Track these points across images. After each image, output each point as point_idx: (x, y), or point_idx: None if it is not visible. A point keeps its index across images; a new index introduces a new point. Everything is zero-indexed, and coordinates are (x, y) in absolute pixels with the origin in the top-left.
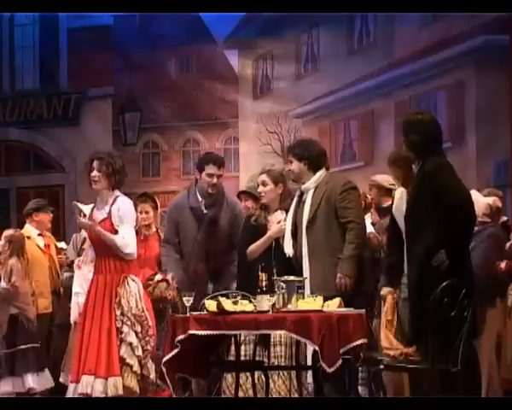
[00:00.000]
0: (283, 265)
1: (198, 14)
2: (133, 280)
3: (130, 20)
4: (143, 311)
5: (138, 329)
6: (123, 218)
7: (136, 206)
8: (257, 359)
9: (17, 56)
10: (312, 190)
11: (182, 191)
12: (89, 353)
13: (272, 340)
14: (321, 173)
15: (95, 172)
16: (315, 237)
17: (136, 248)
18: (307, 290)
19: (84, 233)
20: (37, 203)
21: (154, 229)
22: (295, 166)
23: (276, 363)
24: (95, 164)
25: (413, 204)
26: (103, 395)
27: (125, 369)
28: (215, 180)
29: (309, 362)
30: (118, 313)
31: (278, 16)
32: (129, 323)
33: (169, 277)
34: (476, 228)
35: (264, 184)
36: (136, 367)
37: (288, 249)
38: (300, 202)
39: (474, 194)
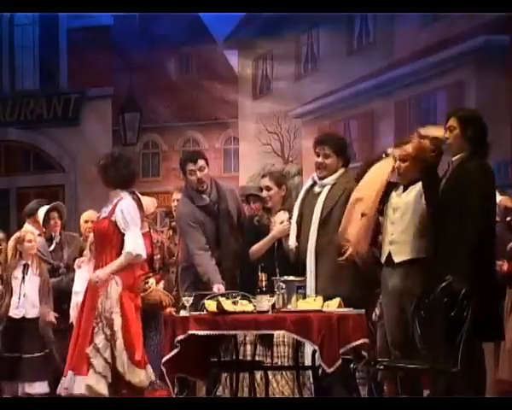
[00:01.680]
0: (285, 265)
1: (198, 14)
2: (116, 283)
3: (130, 20)
4: (112, 314)
5: (108, 331)
6: (128, 221)
7: None
8: (258, 359)
9: (17, 56)
10: (329, 186)
11: (180, 201)
12: (75, 350)
13: (275, 340)
14: (343, 172)
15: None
16: (327, 235)
17: (144, 248)
18: (310, 290)
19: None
20: (39, 203)
21: (147, 228)
22: (333, 160)
23: (280, 363)
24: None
25: (444, 199)
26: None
27: (89, 368)
28: (199, 175)
29: (308, 362)
30: (96, 312)
31: (278, 16)
32: (100, 324)
33: (215, 288)
34: None
35: (268, 188)
36: (101, 369)
37: (292, 241)
38: (310, 192)
39: None
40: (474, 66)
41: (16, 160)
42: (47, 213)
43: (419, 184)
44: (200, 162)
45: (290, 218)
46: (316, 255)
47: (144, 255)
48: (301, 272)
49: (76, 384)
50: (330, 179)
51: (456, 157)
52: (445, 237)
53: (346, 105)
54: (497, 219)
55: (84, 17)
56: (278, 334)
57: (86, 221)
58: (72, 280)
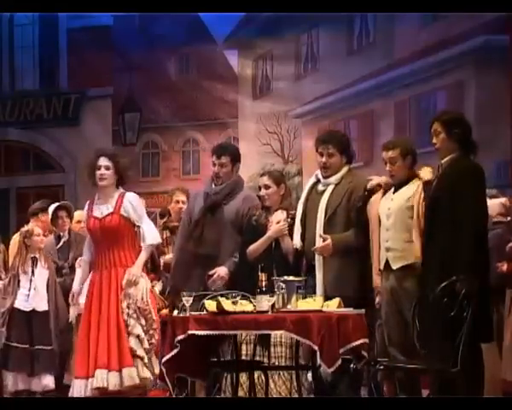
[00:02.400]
0: (283, 265)
1: (198, 14)
2: (142, 275)
3: (129, 21)
4: (148, 304)
5: (143, 322)
6: (140, 213)
7: None
8: (257, 359)
9: (17, 56)
10: (333, 186)
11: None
12: (99, 347)
13: (272, 340)
14: (347, 170)
15: (103, 170)
16: (334, 234)
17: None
18: (319, 290)
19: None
20: (43, 204)
21: None
22: (337, 159)
23: (277, 363)
24: (101, 161)
25: (434, 202)
26: (118, 388)
27: (137, 361)
28: (216, 169)
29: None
30: (124, 305)
31: (278, 16)
32: (134, 316)
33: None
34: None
35: (266, 187)
36: (146, 359)
37: (297, 240)
38: (313, 191)
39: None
40: (474, 66)
41: (16, 160)
42: (55, 211)
43: (409, 186)
44: (223, 159)
45: (287, 217)
46: (323, 256)
47: (160, 240)
48: (306, 271)
49: (113, 379)
50: (334, 179)
51: (445, 159)
52: (439, 239)
53: (346, 105)
54: (496, 219)
55: (83, 17)
56: (275, 334)
57: (79, 221)
58: None
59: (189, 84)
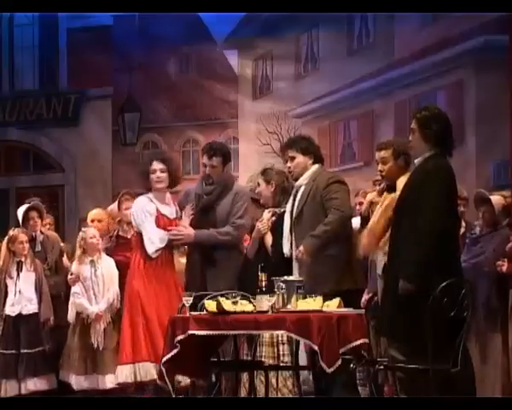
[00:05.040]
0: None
1: (197, 14)
2: None
3: (129, 21)
4: None
5: None
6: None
7: (120, 203)
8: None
9: (17, 56)
10: (304, 187)
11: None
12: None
13: (269, 340)
14: (314, 169)
15: (158, 173)
16: (301, 234)
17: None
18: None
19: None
20: (27, 202)
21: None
22: (301, 160)
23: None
24: (156, 165)
25: (403, 202)
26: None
27: None
28: (207, 170)
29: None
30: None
31: (278, 16)
32: None
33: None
34: (488, 229)
35: (258, 184)
36: None
37: (286, 248)
38: (295, 200)
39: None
40: (474, 66)
41: (16, 160)
42: (25, 214)
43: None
44: (213, 161)
45: (272, 215)
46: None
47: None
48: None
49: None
50: (302, 179)
51: (417, 160)
52: (400, 240)
53: (346, 105)
54: (507, 218)
55: (83, 17)
56: (270, 334)
57: (93, 220)
58: (61, 283)
59: (189, 84)
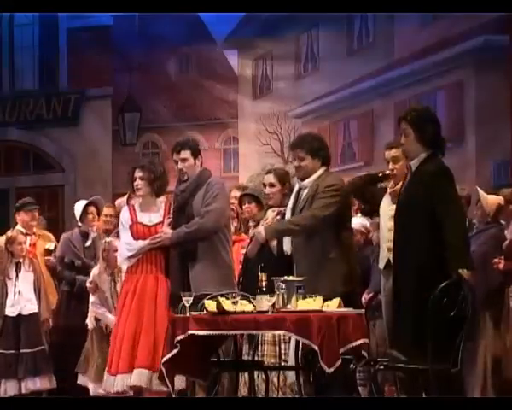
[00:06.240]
0: (270, 264)
1: (197, 14)
2: None
3: (129, 21)
4: None
5: None
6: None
7: (130, 199)
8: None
9: (17, 57)
10: (308, 189)
11: None
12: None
13: (260, 339)
14: (320, 173)
15: (137, 181)
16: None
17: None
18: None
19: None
20: (19, 202)
21: None
22: (309, 162)
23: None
24: (136, 173)
25: (407, 204)
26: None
27: None
28: (179, 165)
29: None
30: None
31: (278, 16)
32: None
33: None
34: (482, 227)
35: (271, 185)
36: None
37: (287, 247)
38: (298, 199)
39: (481, 192)
40: (474, 66)
41: (16, 160)
42: (85, 208)
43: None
44: (183, 154)
45: (277, 214)
46: (294, 257)
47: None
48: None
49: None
50: (308, 182)
51: (413, 161)
52: (416, 240)
53: (346, 105)
54: (504, 217)
55: (83, 17)
56: (272, 333)
57: (110, 215)
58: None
59: (189, 84)
